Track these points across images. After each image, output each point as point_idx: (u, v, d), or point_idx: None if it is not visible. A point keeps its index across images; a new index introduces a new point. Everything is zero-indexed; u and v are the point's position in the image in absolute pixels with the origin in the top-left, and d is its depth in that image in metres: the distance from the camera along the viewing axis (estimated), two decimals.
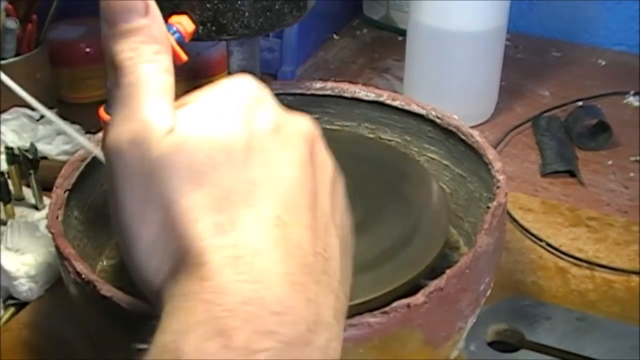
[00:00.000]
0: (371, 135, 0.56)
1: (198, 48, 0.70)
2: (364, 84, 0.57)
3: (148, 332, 0.37)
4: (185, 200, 0.27)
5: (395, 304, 0.36)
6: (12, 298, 0.51)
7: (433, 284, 0.38)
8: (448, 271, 0.38)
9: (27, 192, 0.58)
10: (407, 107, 0.54)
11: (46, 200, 0.57)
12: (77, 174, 0.47)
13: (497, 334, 0.49)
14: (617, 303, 0.52)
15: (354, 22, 0.98)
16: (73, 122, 0.65)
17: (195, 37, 0.49)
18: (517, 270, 0.55)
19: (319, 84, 0.56)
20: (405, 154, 0.54)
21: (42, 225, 0.53)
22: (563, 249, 0.56)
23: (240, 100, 0.30)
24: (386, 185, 0.50)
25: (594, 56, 0.89)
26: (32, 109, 0.37)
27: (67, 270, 0.40)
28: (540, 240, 0.57)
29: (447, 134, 0.52)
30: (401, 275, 0.41)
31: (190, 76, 0.70)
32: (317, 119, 0.57)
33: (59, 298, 0.51)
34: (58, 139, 0.64)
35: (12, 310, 0.51)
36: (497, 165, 0.47)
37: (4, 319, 0.50)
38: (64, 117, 0.65)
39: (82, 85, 0.76)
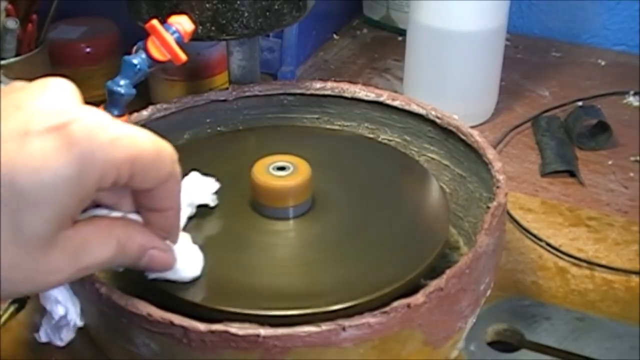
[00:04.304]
0: (371, 135, 0.56)
1: (198, 48, 0.70)
2: (364, 84, 0.57)
3: (146, 332, 0.37)
4: None
5: (395, 304, 0.36)
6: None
7: (433, 284, 0.38)
8: (448, 271, 0.38)
9: None
10: (407, 107, 0.54)
11: None
12: None
13: (497, 334, 0.48)
14: (617, 303, 0.52)
15: (354, 22, 0.98)
16: None
17: (195, 37, 0.50)
18: (517, 270, 0.55)
19: (319, 84, 0.56)
20: (405, 154, 0.54)
21: None
22: (563, 249, 0.56)
23: None
24: (386, 185, 0.50)
25: (594, 56, 0.89)
26: None
27: None
28: (540, 240, 0.57)
29: (447, 134, 0.52)
30: (401, 275, 0.41)
31: (190, 76, 0.70)
32: (317, 119, 0.58)
33: None
34: None
35: (12, 310, 0.51)
36: (497, 165, 0.47)
37: (3, 319, 0.50)
38: None
39: (82, 85, 0.74)
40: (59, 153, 0.30)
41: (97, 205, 0.36)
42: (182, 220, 0.42)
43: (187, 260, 0.40)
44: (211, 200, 0.46)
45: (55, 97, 0.32)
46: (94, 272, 0.35)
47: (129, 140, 0.32)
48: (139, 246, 0.36)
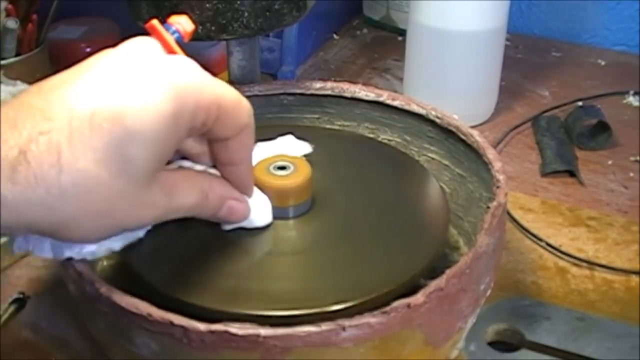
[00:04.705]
0: (371, 135, 0.56)
1: (198, 48, 0.70)
2: (364, 84, 0.57)
3: (146, 332, 0.37)
4: None
5: (395, 304, 0.36)
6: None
7: (433, 284, 0.38)
8: (448, 271, 0.38)
9: None
10: (407, 107, 0.54)
11: None
12: None
13: (497, 334, 0.49)
14: (617, 303, 0.52)
15: (354, 22, 0.98)
16: None
17: (195, 37, 0.49)
18: (517, 270, 0.55)
19: (319, 84, 0.56)
20: (405, 154, 0.54)
21: None
22: (563, 249, 0.56)
23: None
24: (386, 185, 0.50)
25: (594, 56, 0.89)
26: None
27: (67, 270, 0.40)
28: (540, 240, 0.57)
29: (447, 134, 0.52)
30: (401, 275, 0.41)
31: None
32: (317, 118, 0.58)
33: (59, 298, 0.51)
34: None
35: (12, 310, 0.51)
36: (497, 165, 0.47)
37: (3, 319, 0.50)
38: None
39: None
40: (159, 93, 0.34)
41: (183, 157, 0.40)
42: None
43: (259, 209, 0.43)
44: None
45: (147, 50, 0.37)
46: (180, 216, 0.38)
47: (216, 84, 0.36)
48: (219, 197, 0.40)
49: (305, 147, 0.50)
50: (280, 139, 0.50)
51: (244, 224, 0.43)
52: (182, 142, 0.38)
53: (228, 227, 0.43)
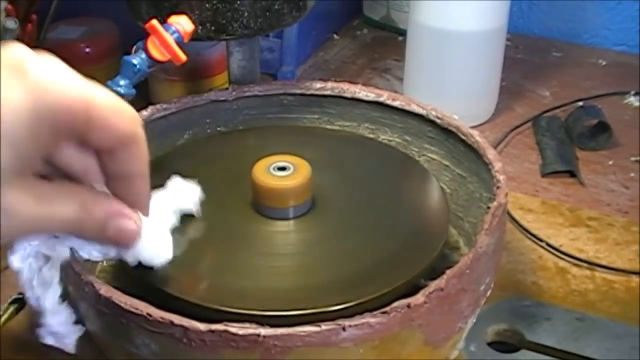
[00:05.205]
0: (371, 135, 0.56)
1: (198, 48, 0.70)
2: (364, 84, 0.56)
3: (146, 332, 0.37)
4: None
5: (395, 304, 0.36)
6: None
7: (433, 284, 0.38)
8: (448, 271, 0.38)
9: None
10: (407, 107, 0.54)
11: None
12: None
13: (497, 334, 0.49)
14: (618, 303, 0.52)
15: (354, 22, 0.98)
16: None
17: (195, 37, 0.50)
18: (517, 271, 0.55)
19: (319, 84, 0.56)
20: (405, 154, 0.54)
21: None
22: (563, 249, 0.56)
23: None
24: (386, 185, 0.50)
25: (594, 56, 0.89)
26: None
27: (67, 271, 0.40)
28: (541, 240, 0.57)
29: (447, 134, 0.52)
30: (401, 275, 0.41)
31: (190, 76, 0.70)
32: (317, 119, 0.58)
33: None
34: None
35: (12, 310, 0.51)
36: (497, 165, 0.47)
37: (3, 319, 0.50)
38: None
39: None
40: (15, 88, 0.30)
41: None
42: (168, 227, 0.42)
43: (157, 245, 0.39)
44: (195, 209, 0.44)
45: (15, 47, 0.33)
46: (56, 232, 0.35)
47: (84, 85, 0.32)
48: (104, 212, 0.35)
49: (195, 190, 0.44)
50: (170, 184, 0.43)
51: (142, 259, 0.39)
52: (59, 151, 0.34)
53: (130, 260, 0.39)
